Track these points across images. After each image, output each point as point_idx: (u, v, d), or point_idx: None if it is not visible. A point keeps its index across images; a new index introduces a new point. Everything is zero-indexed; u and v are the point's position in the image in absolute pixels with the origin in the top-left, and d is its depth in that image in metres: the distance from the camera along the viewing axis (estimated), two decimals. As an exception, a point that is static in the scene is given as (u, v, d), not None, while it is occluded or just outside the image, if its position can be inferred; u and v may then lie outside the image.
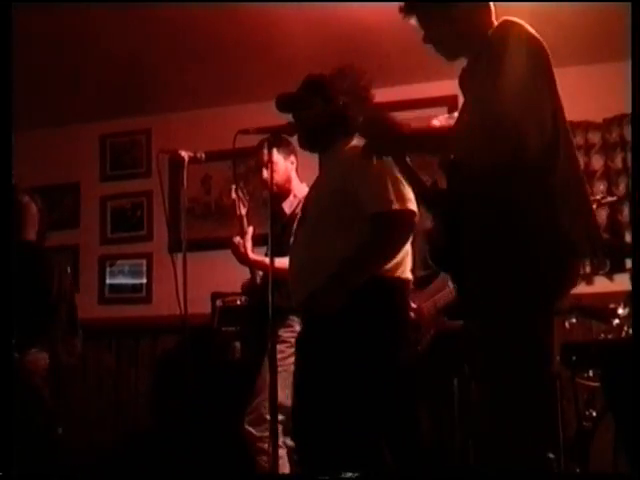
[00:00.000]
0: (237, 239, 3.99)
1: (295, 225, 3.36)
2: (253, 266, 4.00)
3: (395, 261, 2.99)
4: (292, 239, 3.33)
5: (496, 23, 2.40)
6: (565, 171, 2.22)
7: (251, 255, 3.97)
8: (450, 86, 5.05)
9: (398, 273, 3.00)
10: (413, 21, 2.48)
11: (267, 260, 3.38)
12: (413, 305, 3.57)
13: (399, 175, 2.93)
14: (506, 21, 2.32)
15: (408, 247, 3.07)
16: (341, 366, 2.85)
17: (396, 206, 2.89)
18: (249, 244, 4.00)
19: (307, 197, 3.34)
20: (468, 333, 2.35)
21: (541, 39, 2.29)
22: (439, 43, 2.45)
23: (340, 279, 2.91)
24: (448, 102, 4.98)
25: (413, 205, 2.94)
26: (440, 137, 2.40)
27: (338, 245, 2.98)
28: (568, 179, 2.21)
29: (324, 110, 3.16)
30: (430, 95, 5.21)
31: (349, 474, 2.66)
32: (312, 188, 3.35)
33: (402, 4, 2.48)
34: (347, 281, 2.91)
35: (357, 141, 3.13)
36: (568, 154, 2.25)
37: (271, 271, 3.17)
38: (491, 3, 2.47)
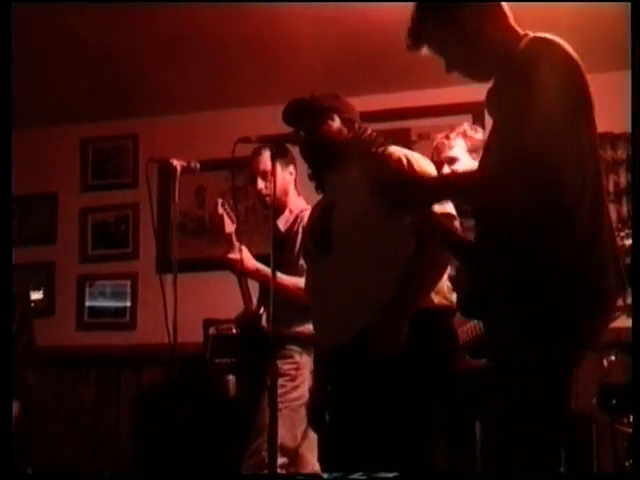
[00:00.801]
0: (232, 254, 3.99)
1: (315, 257, 3.36)
2: (253, 275, 3.98)
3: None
4: (312, 275, 3.37)
5: (522, 33, 2.37)
6: (596, 213, 2.23)
7: (253, 264, 3.97)
8: (475, 92, 5.05)
9: (441, 298, 3.07)
10: (425, 51, 2.49)
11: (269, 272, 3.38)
12: None
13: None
14: (538, 40, 2.28)
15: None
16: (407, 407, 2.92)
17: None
18: (248, 254, 4.00)
19: (320, 222, 3.33)
20: (491, 373, 2.37)
21: (576, 59, 2.26)
22: (464, 67, 2.44)
23: (400, 308, 2.95)
24: (472, 109, 4.98)
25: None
26: (467, 185, 2.39)
27: (382, 265, 3.03)
28: (599, 220, 2.23)
29: (342, 130, 3.22)
30: (452, 101, 5.23)
31: (383, 474, 2.73)
32: (325, 210, 3.32)
33: (408, 39, 2.49)
34: (407, 306, 2.96)
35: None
36: (599, 190, 2.26)
37: (272, 290, 3.17)
38: (507, 10, 2.43)
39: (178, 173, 3.78)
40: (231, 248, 4.01)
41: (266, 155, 4.02)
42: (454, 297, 3.08)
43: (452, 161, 3.91)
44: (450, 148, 3.94)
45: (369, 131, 3.29)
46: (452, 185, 2.46)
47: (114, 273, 6.02)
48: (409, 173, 2.44)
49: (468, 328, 3.75)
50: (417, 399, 2.93)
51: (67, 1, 4.52)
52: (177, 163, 3.79)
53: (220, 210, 4.06)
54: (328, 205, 3.27)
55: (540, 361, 2.18)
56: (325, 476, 2.96)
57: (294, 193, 4.19)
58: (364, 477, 2.75)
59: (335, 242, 3.18)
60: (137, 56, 5.17)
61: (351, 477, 2.76)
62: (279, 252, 3.99)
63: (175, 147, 5.22)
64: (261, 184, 4.11)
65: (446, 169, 3.90)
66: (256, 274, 3.98)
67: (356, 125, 3.27)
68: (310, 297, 3.37)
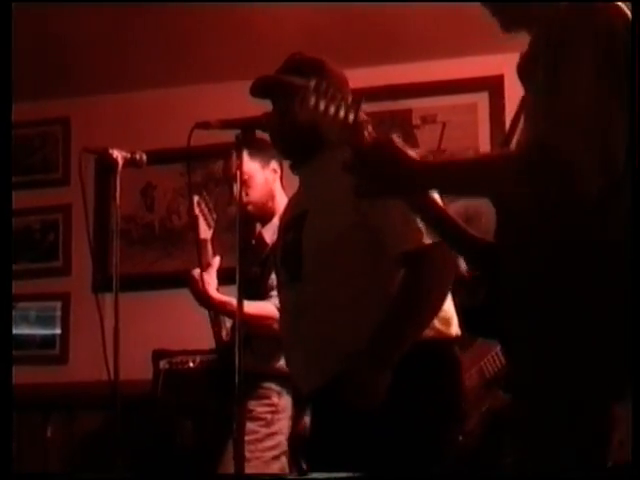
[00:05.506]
0: (197, 272, 3.98)
1: (276, 277, 3.35)
2: (217, 309, 3.99)
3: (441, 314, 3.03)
4: (279, 302, 3.37)
5: None
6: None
7: (215, 294, 3.96)
8: (493, 62, 5.07)
9: (448, 330, 3.04)
10: None
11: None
12: None
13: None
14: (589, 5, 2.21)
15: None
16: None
17: (428, 240, 2.93)
18: (213, 279, 3.99)
19: (286, 232, 3.29)
20: (514, 414, 2.39)
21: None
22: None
23: (380, 354, 2.94)
24: (490, 85, 5.00)
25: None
26: (474, 172, 2.37)
27: (363, 299, 3.01)
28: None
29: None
30: (464, 75, 5.23)
31: (343, 474, 2.79)
32: (297, 220, 3.28)
33: None
34: (390, 353, 2.94)
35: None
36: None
37: (239, 318, 3.16)
38: None
39: (120, 167, 3.79)
40: (204, 258, 4.02)
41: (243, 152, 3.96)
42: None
43: None
44: None
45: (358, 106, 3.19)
46: (449, 173, 2.37)
47: (40, 293, 6.01)
48: (400, 150, 2.35)
49: (494, 357, 3.76)
50: (407, 453, 2.91)
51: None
52: (118, 154, 3.80)
53: (197, 210, 4.07)
54: (300, 213, 3.20)
55: (578, 402, 2.17)
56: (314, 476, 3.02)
57: (282, 196, 4.16)
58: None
59: (306, 266, 3.13)
60: (69, 19, 5.17)
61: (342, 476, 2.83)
62: (264, 271, 3.98)
63: (116, 134, 5.23)
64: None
65: None
66: (221, 307, 3.96)
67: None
68: (280, 330, 3.36)
